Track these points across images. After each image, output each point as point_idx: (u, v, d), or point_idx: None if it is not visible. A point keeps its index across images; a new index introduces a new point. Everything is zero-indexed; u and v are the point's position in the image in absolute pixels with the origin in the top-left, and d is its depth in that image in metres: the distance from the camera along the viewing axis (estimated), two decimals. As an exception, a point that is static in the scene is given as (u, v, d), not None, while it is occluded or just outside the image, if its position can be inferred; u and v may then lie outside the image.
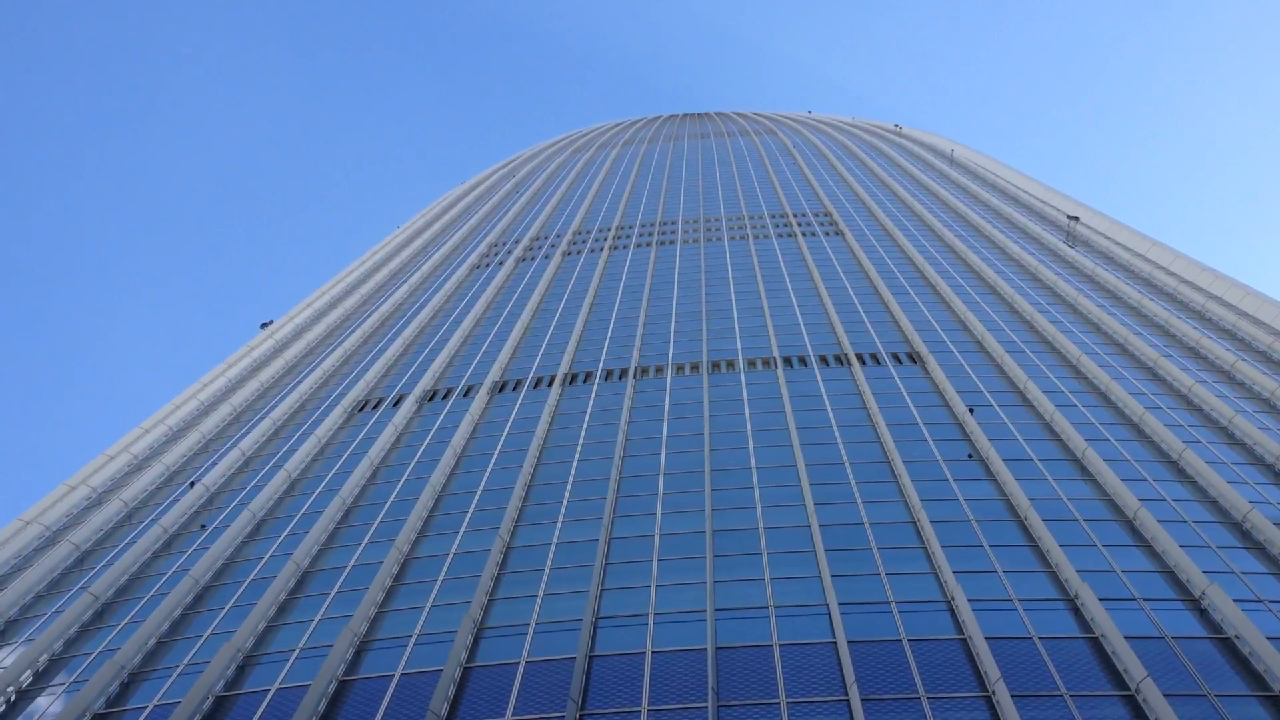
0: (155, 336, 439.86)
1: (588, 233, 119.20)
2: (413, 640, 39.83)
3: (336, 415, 67.39)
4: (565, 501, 51.01)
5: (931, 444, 54.26)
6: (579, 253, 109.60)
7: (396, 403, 69.39)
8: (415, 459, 58.89)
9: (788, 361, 68.94)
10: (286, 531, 51.50)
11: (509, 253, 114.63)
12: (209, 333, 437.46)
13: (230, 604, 44.77)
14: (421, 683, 36.80)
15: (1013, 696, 33.17)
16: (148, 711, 37.27)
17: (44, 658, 42.14)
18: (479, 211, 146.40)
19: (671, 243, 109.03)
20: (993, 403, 59.69)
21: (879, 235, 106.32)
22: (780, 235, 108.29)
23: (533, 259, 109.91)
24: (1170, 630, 36.76)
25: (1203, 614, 37.74)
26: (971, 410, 57.59)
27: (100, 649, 42.42)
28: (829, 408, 60.10)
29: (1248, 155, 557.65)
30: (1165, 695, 32.78)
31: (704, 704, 33.92)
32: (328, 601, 43.86)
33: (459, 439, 60.24)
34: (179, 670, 39.83)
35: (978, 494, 48.45)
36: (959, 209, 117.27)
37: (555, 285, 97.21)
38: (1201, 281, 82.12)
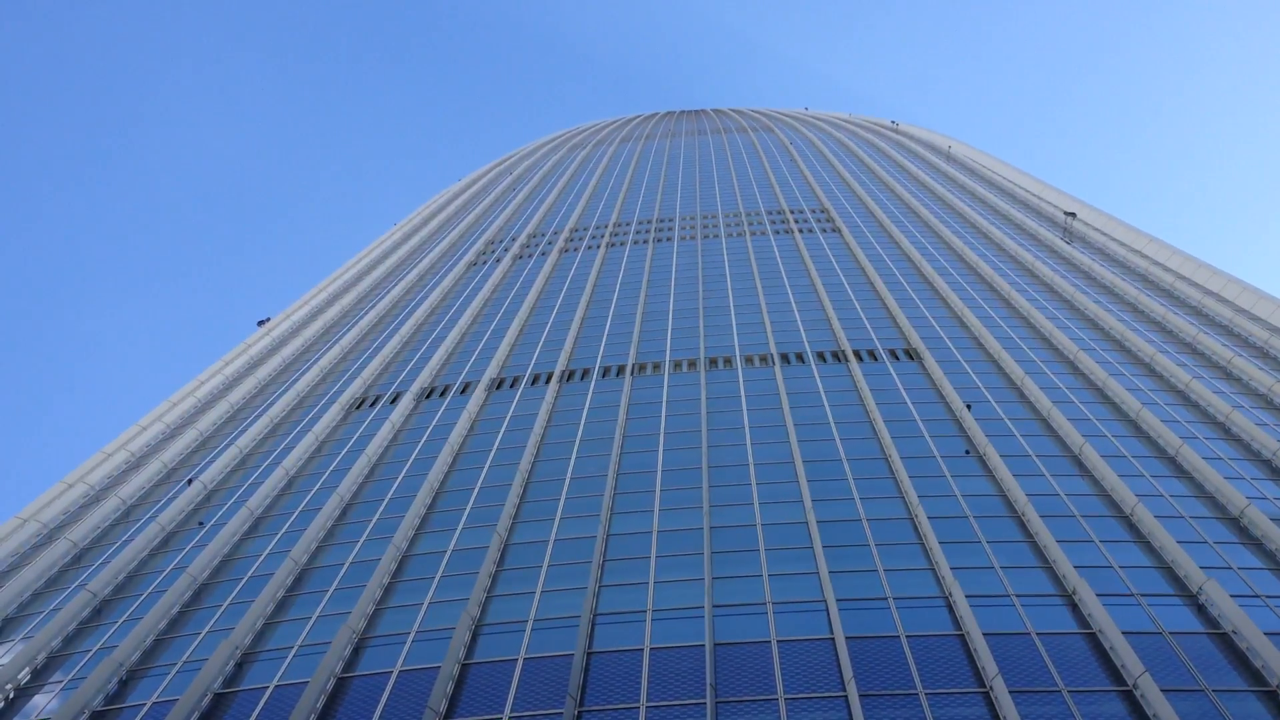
0: (153, 334, 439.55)
1: (584, 230, 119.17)
2: (411, 637, 39.84)
3: (334, 412, 67.38)
4: (563, 498, 51.02)
5: (929, 440, 54.29)
6: (576, 250, 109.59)
7: (394, 400, 69.37)
8: (413, 456, 58.89)
9: (785, 358, 68.96)
10: (284, 529, 51.50)
11: (505, 250, 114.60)
12: (206, 330, 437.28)
13: (228, 601, 44.76)
14: (420, 680, 36.81)
15: (1010, 692, 33.20)
16: (146, 709, 37.27)
17: (42, 655, 42.12)
18: (475, 209, 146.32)
19: (669, 240, 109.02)
20: (990, 399, 59.73)
21: (876, 232, 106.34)
22: (777, 232, 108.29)
23: (529, 256, 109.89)
24: (1168, 626, 36.81)
25: (1200, 609, 37.79)
26: (969, 406, 57.62)
27: (98, 646, 42.40)
28: (826, 404, 60.12)
29: (1245, 150, 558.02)
30: (1163, 690, 32.83)
31: (702, 700, 33.94)
32: (326, 599, 43.86)
33: (456, 436, 60.23)
34: (177, 668, 39.81)
35: (975, 490, 48.49)
36: (956, 205, 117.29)
37: (552, 282, 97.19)
38: (1198, 277, 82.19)
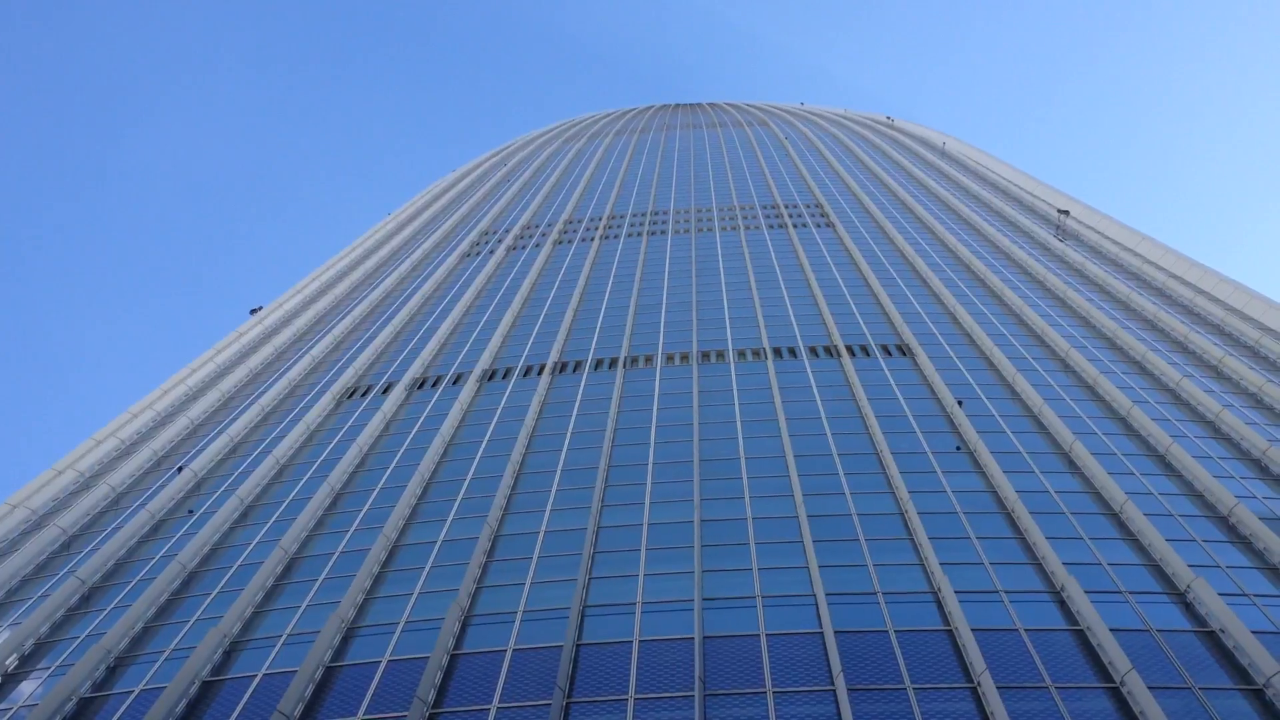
0: (146, 323, 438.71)
1: (579, 222, 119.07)
2: (400, 627, 39.84)
3: (326, 402, 67.30)
4: (554, 490, 51.02)
5: (920, 436, 54.35)
6: (570, 242, 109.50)
7: (386, 390, 69.31)
8: (404, 446, 58.84)
9: (777, 352, 68.99)
10: (274, 517, 51.45)
11: (499, 241, 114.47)
12: (199, 319, 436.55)
13: (217, 590, 44.72)
14: (409, 669, 36.82)
15: (998, 688, 33.28)
16: (133, 696, 37.24)
17: (30, 641, 42.06)
18: (470, 200, 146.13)
19: (663, 233, 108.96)
20: (981, 395, 59.81)
21: (870, 227, 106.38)
22: (771, 226, 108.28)
23: (523, 248, 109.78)
24: (1155, 623, 36.91)
25: (1188, 608, 37.89)
26: (960, 403, 57.70)
27: (86, 633, 42.36)
28: (818, 399, 60.16)
29: (1240, 148, 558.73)
30: (1150, 688, 32.93)
31: (691, 693, 33.98)
32: (315, 588, 43.84)
33: (448, 427, 60.20)
34: (165, 655, 39.78)
35: (965, 486, 48.56)
36: (950, 202, 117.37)
37: (546, 274, 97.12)
38: (1190, 276, 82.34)
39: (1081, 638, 36.25)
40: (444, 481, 53.69)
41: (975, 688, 33.60)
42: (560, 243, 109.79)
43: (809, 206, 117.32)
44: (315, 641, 38.13)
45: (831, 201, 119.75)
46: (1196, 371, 62.72)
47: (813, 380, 63.36)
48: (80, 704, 37.11)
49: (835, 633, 36.80)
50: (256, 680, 37.29)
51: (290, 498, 53.59)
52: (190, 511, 53.40)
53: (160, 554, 48.99)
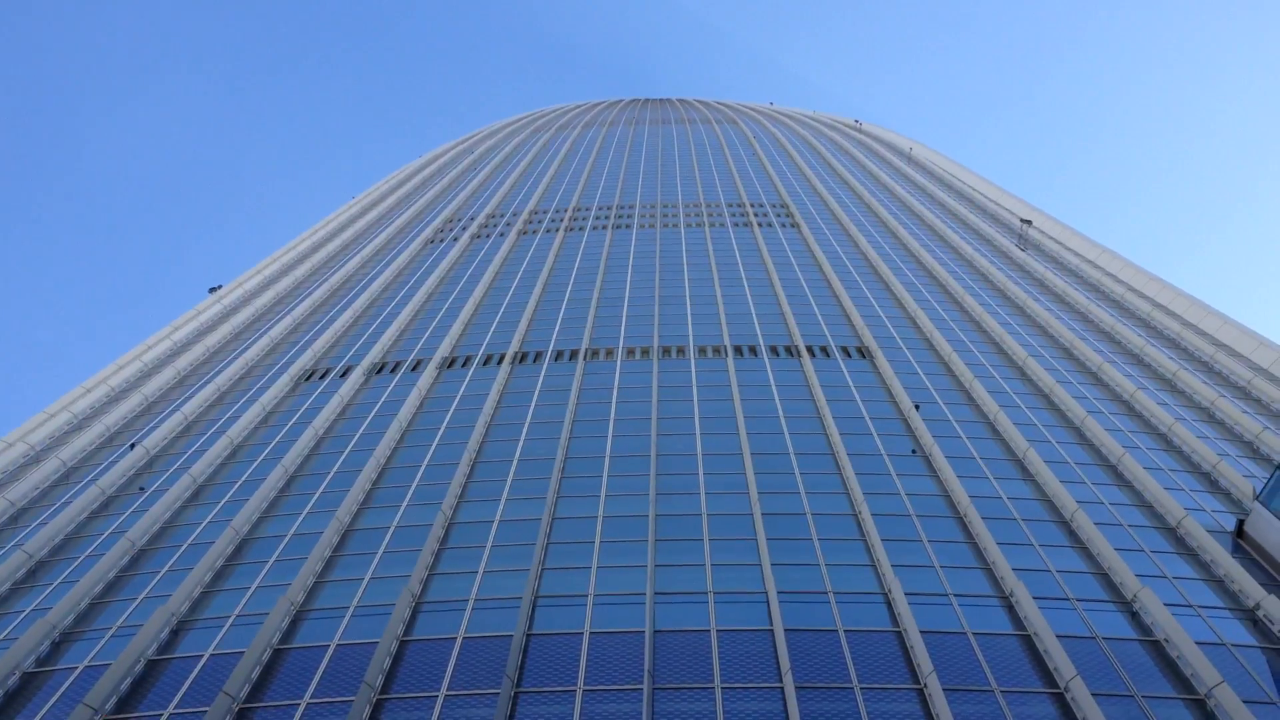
0: (99, 297, 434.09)
1: (544, 213, 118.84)
2: (350, 612, 39.65)
3: (283, 384, 66.85)
4: (510, 480, 50.93)
5: (876, 438, 54.65)
6: (534, 233, 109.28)
7: (344, 374, 68.93)
8: (360, 431, 58.56)
9: (738, 351, 69.15)
10: (226, 498, 51.06)
11: (464, 229, 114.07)
12: (158, 296, 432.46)
13: (166, 568, 44.34)
14: (357, 654, 36.66)
15: (944, 690, 33.53)
16: (78, 672, 36.87)
17: (-27, 615, 41.55)
18: (434, 187, 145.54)
19: (628, 227, 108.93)
20: (938, 400, 60.20)
21: (834, 230, 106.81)
22: (736, 225, 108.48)
23: (487, 237, 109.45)
24: (1101, 631, 37.30)
25: (1134, 616, 38.31)
26: (917, 407, 58.06)
27: (32, 607, 41.90)
28: (777, 398, 60.36)
29: (1202, 158, 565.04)
30: (1094, 694, 33.27)
31: (639, 686, 34.03)
32: (265, 570, 43.55)
33: (405, 413, 59.95)
34: (111, 632, 39.41)
35: (919, 489, 48.88)
36: (914, 207, 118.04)
37: (509, 264, 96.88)
38: (1148, 290, 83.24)
39: (1028, 643, 36.58)
40: (400, 467, 53.47)
41: (922, 689, 33.83)
42: (525, 233, 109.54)
43: (775, 206, 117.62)
44: (264, 623, 37.88)
45: (797, 202, 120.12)
46: (1151, 384, 63.42)
47: (772, 379, 63.56)
48: (24, 679, 36.70)
49: (785, 630, 36.95)
50: (203, 660, 37.01)
51: (243, 478, 53.21)
52: (141, 489, 52.91)
53: (109, 530, 48.51)
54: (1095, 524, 44.95)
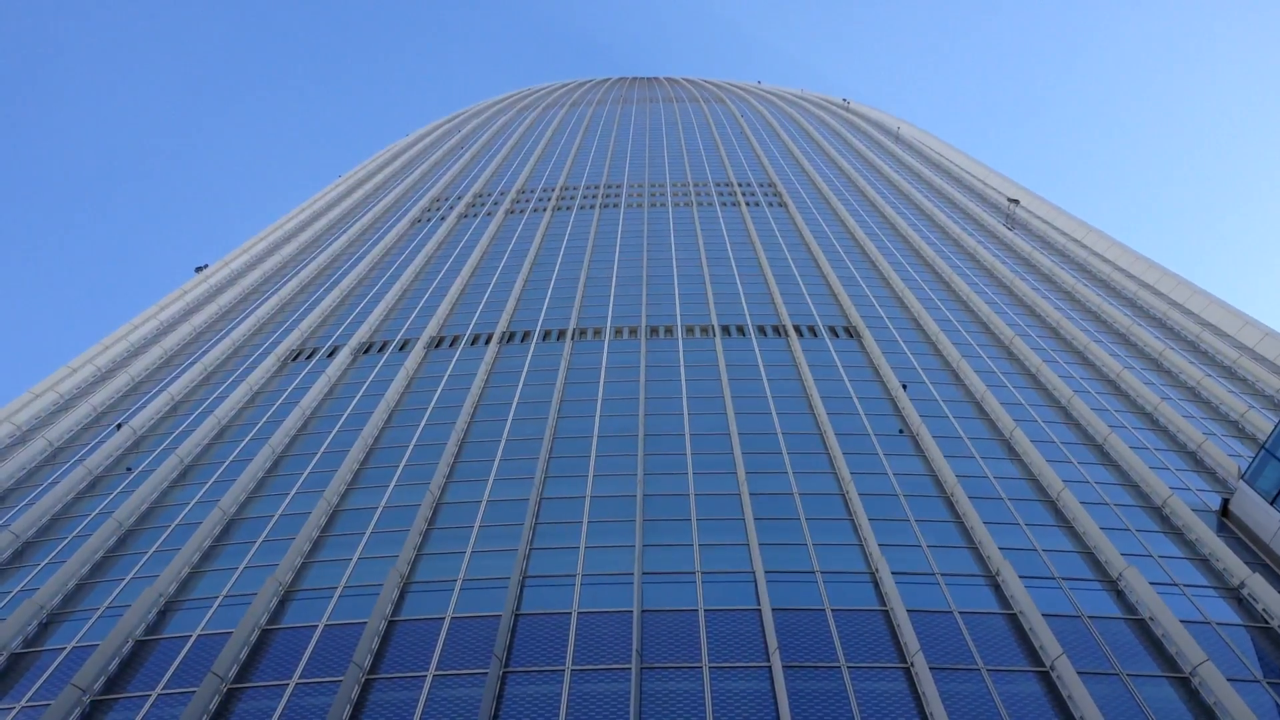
0: (85, 277, 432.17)
1: (531, 192, 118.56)
2: (338, 592, 39.67)
3: (269, 363, 66.70)
4: (498, 460, 50.93)
5: (864, 418, 54.75)
6: (521, 212, 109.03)
7: (331, 354, 68.79)
8: (348, 411, 58.48)
9: (726, 330, 69.16)
10: (214, 478, 50.99)
11: (451, 209, 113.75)
12: (144, 276, 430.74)
13: (154, 548, 44.29)
14: (346, 634, 36.69)
15: (931, 668, 33.70)
16: (65, 653, 36.85)
17: (-40, 595, 41.47)
18: (421, 166, 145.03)
19: (615, 206, 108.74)
20: (925, 380, 60.32)
21: (822, 209, 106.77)
22: (724, 204, 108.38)
23: (475, 216, 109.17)
24: (1087, 610, 37.49)
25: (1119, 595, 38.52)
26: (904, 386, 58.17)
27: (19, 588, 41.83)
28: (764, 378, 60.42)
29: (1189, 146, 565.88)
30: (1079, 673, 33.48)
31: (627, 665, 34.13)
32: (253, 550, 43.53)
33: (393, 393, 59.88)
34: (99, 613, 39.37)
35: (906, 469, 49.01)
36: (902, 186, 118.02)
37: (496, 243, 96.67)
38: (1135, 269, 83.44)
39: (1014, 621, 36.75)
40: (387, 447, 53.44)
41: (909, 668, 34.00)
42: (512, 212, 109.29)
43: (763, 185, 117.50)
44: (252, 604, 37.88)
45: (785, 181, 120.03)
46: (1137, 363, 63.62)
47: (760, 359, 63.61)
48: (10, 659, 36.67)
49: (773, 610, 37.07)
50: (191, 641, 37.02)
51: (231, 458, 53.13)
52: (128, 469, 52.80)
53: (96, 511, 48.42)
54: (1081, 503, 45.15)
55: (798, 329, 69.27)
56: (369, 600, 38.76)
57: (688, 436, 52.61)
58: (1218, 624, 36.72)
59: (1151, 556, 41.33)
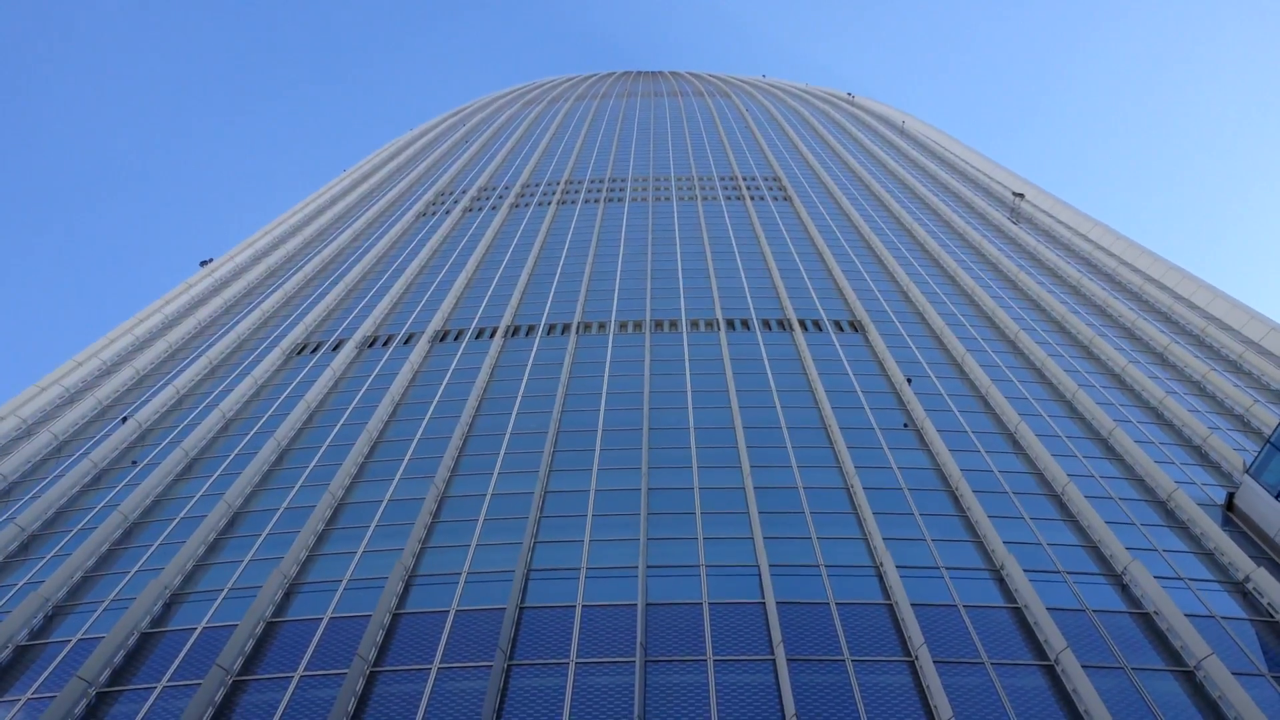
0: (91, 270, 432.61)
1: (536, 186, 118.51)
2: (343, 585, 39.71)
3: (275, 357, 66.75)
4: (502, 453, 50.95)
5: (868, 412, 54.72)
6: (526, 206, 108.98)
7: (336, 347, 68.83)
8: (353, 404, 58.51)
9: (730, 324, 69.12)
10: (219, 471, 51.05)
11: (455, 203, 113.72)
12: (149, 269, 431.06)
13: (159, 541, 44.36)
14: (350, 627, 36.74)
15: (935, 662, 33.70)
16: (72, 645, 36.92)
17: (-34, 588, 41.55)
18: (426, 160, 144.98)
19: (620, 200, 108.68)
20: (930, 374, 60.27)
21: (827, 203, 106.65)
22: (729, 198, 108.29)
23: (479, 210, 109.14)
24: (1092, 604, 37.47)
25: (1124, 589, 38.49)
26: (909, 380, 58.14)
27: (24, 581, 41.90)
28: (769, 372, 60.39)
29: (1196, 140, 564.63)
30: (1084, 666, 33.47)
31: (632, 658, 34.15)
32: (258, 543, 43.59)
33: (398, 386, 59.91)
34: (104, 605, 39.45)
35: (911, 463, 48.98)
36: (907, 180, 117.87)
37: (501, 237, 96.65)
38: (1140, 264, 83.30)
39: (1019, 615, 36.74)
40: (392, 441, 53.48)
41: (913, 661, 34.00)
42: (517, 206, 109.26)
43: (767, 179, 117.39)
44: (257, 596, 37.94)
45: (790, 175, 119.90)
46: (1143, 357, 63.54)
47: (764, 353, 63.58)
48: (17, 651, 36.75)
49: (777, 603, 37.07)
50: (196, 633, 37.08)
51: (236, 452, 53.19)
52: (134, 462, 52.87)
53: (102, 503, 48.50)
54: (1086, 497, 45.12)
55: (802, 323, 69.22)
56: (374, 593, 38.81)
57: (692, 430, 52.61)
58: (1223, 618, 36.70)
59: (1156, 550, 41.30)
